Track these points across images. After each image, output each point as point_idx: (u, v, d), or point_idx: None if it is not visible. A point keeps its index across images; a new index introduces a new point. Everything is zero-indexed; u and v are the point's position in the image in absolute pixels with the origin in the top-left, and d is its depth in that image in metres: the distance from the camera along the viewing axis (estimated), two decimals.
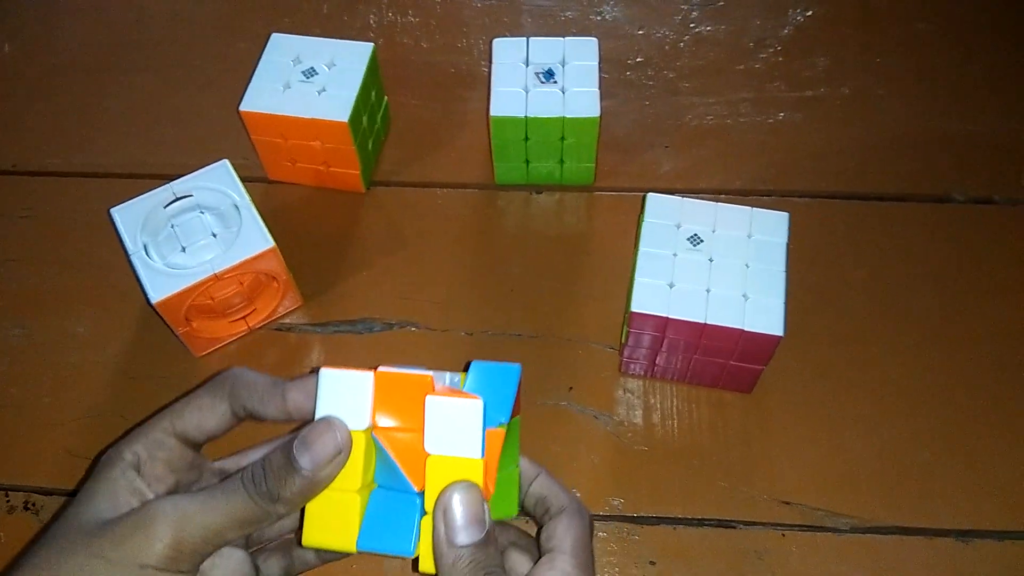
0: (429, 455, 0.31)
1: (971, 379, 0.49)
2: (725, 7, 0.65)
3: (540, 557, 0.34)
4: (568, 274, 0.53)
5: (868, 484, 0.46)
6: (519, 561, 0.36)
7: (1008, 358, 0.49)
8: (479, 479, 0.31)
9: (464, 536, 0.30)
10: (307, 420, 0.33)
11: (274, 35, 0.55)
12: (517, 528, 0.37)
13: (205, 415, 0.34)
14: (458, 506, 0.30)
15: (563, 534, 0.34)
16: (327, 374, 0.32)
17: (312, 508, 0.31)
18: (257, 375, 0.34)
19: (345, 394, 0.32)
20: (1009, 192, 0.56)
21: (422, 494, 0.31)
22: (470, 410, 0.31)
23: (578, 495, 0.42)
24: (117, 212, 0.48)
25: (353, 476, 0.31)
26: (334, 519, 0.31)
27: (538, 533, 0.36)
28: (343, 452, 0.31)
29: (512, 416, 0.33)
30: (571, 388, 0.49)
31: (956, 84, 0.60)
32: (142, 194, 0.49)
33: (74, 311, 0.53)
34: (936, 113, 0.59)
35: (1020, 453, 0.46)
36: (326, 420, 0.31)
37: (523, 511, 0.37)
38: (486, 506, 0.31)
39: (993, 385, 0.49)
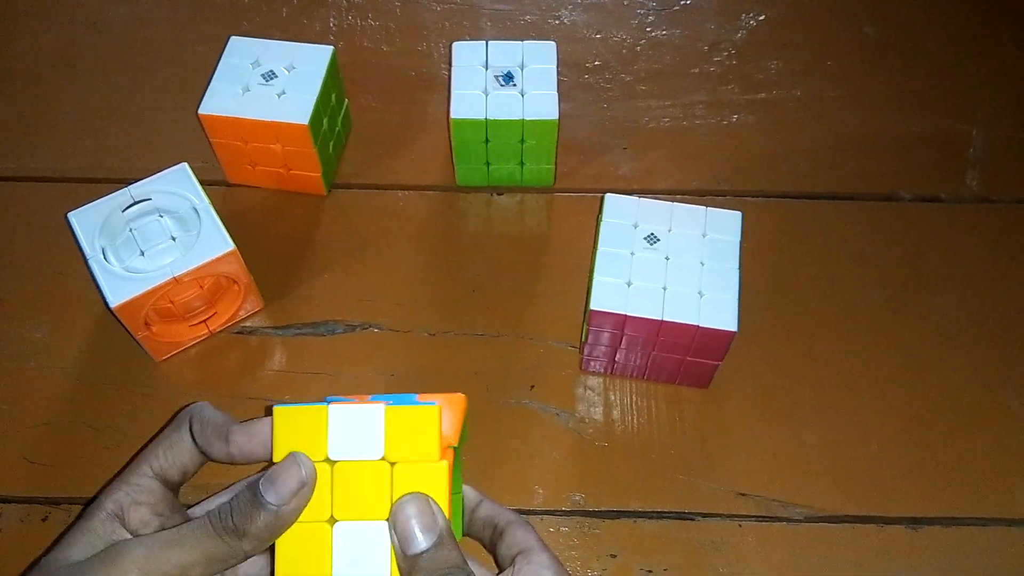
0: (393, 465, 0.31)
1: (918, 371, 0.51)
2: (680, 12, 0.66)
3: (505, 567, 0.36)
4: (529, 274, 0.54)
5: (821, 475, 0.47)
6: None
7: (953, 350, 0.51)
8: (440, 485, 0.31)
9: (414, 546, 0.31)
10: (254, 461, 0.33)
11: (233, 38, 0.55)
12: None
13: (176, 453, 0.34)
14: (407, 519, 0.31)
15: (525, 537, 0.36)
16: (280, 412, 0.32)
17: (283, 544, 0.31)
18: (214, 412, 0.35)
19: (301, 429, 0.32)
20: (955, 191, 0.57)
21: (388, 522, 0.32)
22: (373, 414, 0.32)
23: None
24: (74, 216, 0.48)
25: (322, 506, 0.32)
26: (307, 551, 0.31)
27: (493, 552, 0.37)
28: (307, 486, 0.31)
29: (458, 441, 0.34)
30: (533, 386, 0.50)
31: (903, 86, 0.62)
32: (99, 198, 0.48)
33: (31, 317, 0.52)
34: (884, 114, 0.61)
35: (966, 442, 0.48)
36: (291, 456, 0.31)
37: (470, 535, 0.38)
38: (436, 509, 0.31)
39: (939, 377, 0.50)
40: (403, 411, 0.32)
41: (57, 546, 0.32)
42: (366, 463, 0.32)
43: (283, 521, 0.31)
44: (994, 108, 0.61)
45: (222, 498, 0.36)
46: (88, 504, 0.33)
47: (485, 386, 0.50)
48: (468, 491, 0.39)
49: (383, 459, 0.32)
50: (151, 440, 0.35)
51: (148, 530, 0.33)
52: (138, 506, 0.33)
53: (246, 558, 0.31)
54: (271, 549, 0.32)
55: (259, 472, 0.32)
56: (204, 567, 0.31)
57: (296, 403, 0.33)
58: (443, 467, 0.32)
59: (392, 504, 0.31)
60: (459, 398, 0.34)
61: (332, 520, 0.32)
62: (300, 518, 0.31)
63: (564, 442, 0.48)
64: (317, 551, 0.31)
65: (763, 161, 0.59)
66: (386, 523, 0.31)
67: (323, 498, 0.32)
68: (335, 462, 0.32)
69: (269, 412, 0.33)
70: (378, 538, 0.31)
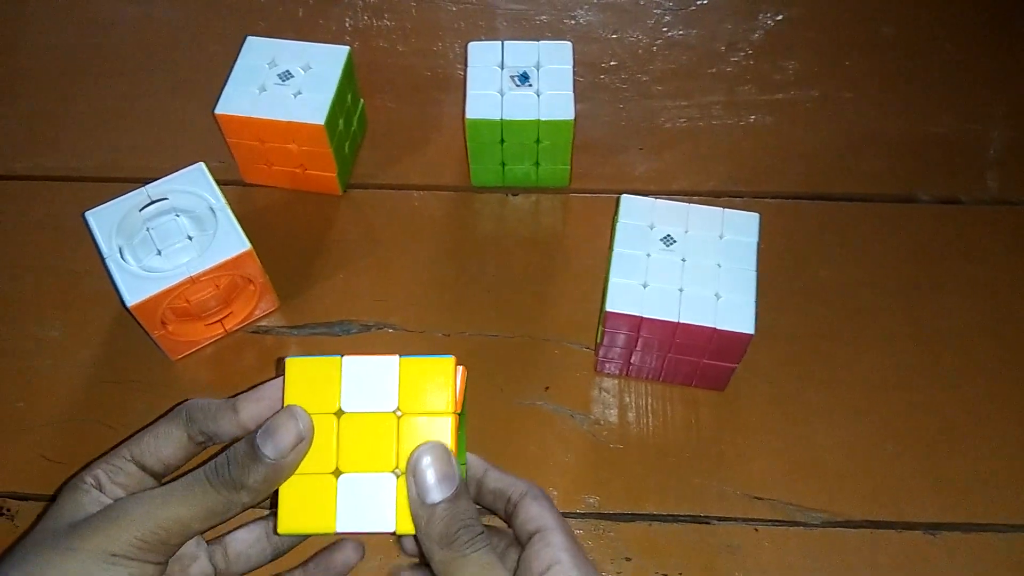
0: (400, 416, 0.32)
1: (937, 375, 0.50)
2: (697, 11, 0.66)
3: (525, 541, 0.35)
4: (544, 275, 0.54)
5: (838, 479, 0.47)
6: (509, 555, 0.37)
7: (972, 354, 0.51)
8: (450, 437, 0.32)
9: (436, 494, 0.31)
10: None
11: (249, 38, 0.55)
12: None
13: (161, 443, 0.35)
14: (427, 466, 0.31)
15: (540, 513, 0.35)
16: (293, 363, 0.32)
17: (286, 494, 0.32)
18: (210, 400, 0.35)
19: (313, 381, 0.32)
20: (974, 192, 0.57)
21: (396, 472, 0.32)
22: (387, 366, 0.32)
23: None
24: (91, 215, 0.48)
25: (327, 458, 0.32)
26: (311, 503, 0.32)
27: (510, 524, 0.37)
28: (305, 440, 0.32)
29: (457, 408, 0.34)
30: (547, 388, 0.50)
31: (920, 86, 0.62)
32: (116, 198, 0.49)
33: (47, 316, 0.53)
34: (902, 115, 0.61)
35: (984, 447, 0.48)
36: (288, 409, 0.32)
37: (479, 504, 0.38)
38: (455, 461, 0.31)
39: (958, 380, 0.50)
40: (418, 363, 0.32)
41: (45, 516, 0.33)
42: (372, 415, 0.32)
43: (281, 474, 0.31)
44: (1013, 108, 0.60)
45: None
46: (63, 486, 0.34)
47: (499, 387, 0.50)
48: (473, 459, 0.38)
49: (395, 411, 0.32)
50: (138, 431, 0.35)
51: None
52: (114, 485, 0.34)
53: (244, 510, 0.32)
54: (273, 501, 0.32)
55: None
56: (203, 521, 0.31)
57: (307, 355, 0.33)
58: (450, 421, 0.32)
59: (405, 455, 0.31)
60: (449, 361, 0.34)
61: (337, 472, 0.32)
62: (305, 469, 0.32)
63: (579, 444, 0.48)
64: (321, 503, 0.31)
65: (780, 162, 0.58)
66: (392, 475, 0.31)
67: (328, 450, 0.32)
68: (342, 414, 0.32)
69: (280, 369, 0.33)
70: (383, 490, 0.31)
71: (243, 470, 0.31)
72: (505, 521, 0.37)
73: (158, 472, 0.35)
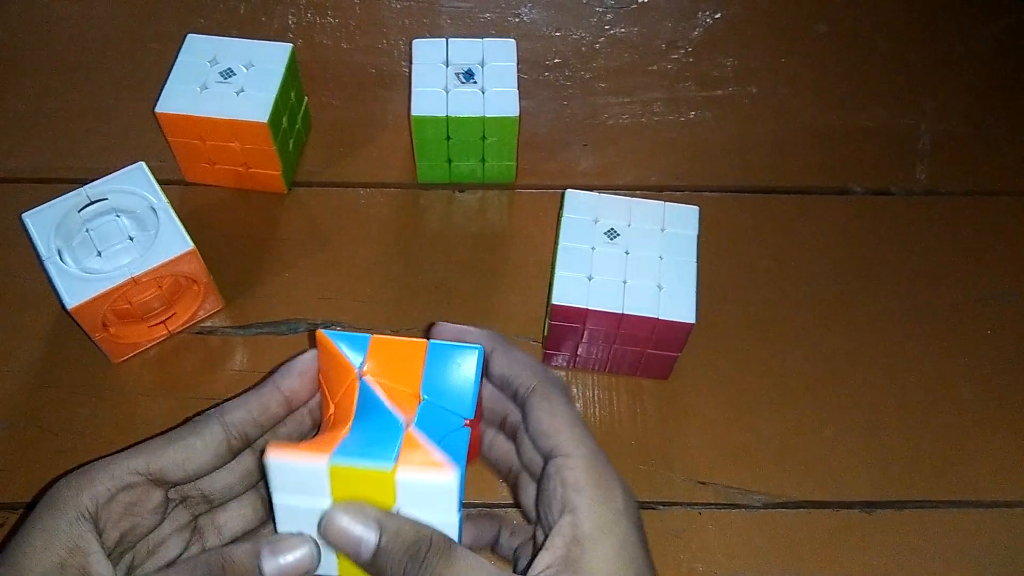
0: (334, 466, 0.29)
1: (870, 359, 0.52)
2: (638, 10, 0.67)
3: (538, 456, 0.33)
4: (490, 270, 0.54)
5: (778, 462, 0.48)
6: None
7: (904, 339, 0.53)
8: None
9: (365, 547, 0.28)
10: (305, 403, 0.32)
11: (190, 36, 0.54)
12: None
13: (192, 453, 0.32)
14: (340, 531, 0.28)
15: (552, 425, 0.31)
16: (275, 465, 0.29)
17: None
18: (238, 400, 0.33)
19: (301, 481, 0.30)
20: (904, 183, 0.59)
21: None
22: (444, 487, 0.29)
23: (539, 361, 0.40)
24: (29, 217, 0.47)
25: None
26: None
27: (524, 418, 0.34)
28: (310, 573, 0.29)
29: (476, 415, 0.33)
30: None
31: (854, 82, 0.64)
32: (54, 199, 0.48)
33: None
34: (836, 110, 0.63)
35: (917, 428, 0.50)
36: (301, 537, 0.30)
37: (495, 385, 0.35)
38: (364, 508, 0.29)
39: (890, 365, 0.52)
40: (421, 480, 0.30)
41: (8, 550, 0.29)
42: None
43: None
44: (941, 102, 0.63)
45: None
46: (42, 493, 0.31)
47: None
48: (481, 336, 0.34)
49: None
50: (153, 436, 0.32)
51: (115, 532, 0.30)
52: (115, 503, 0.30)
53: None
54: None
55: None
56: None
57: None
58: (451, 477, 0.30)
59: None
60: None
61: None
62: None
63: None
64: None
65: (719, 156, 0.60)
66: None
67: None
68: None
69: (312, 340, 0.32)
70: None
71: None
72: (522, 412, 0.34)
73: (175, 482, 0.32)
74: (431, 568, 0.28)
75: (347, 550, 0.29)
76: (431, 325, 0.36)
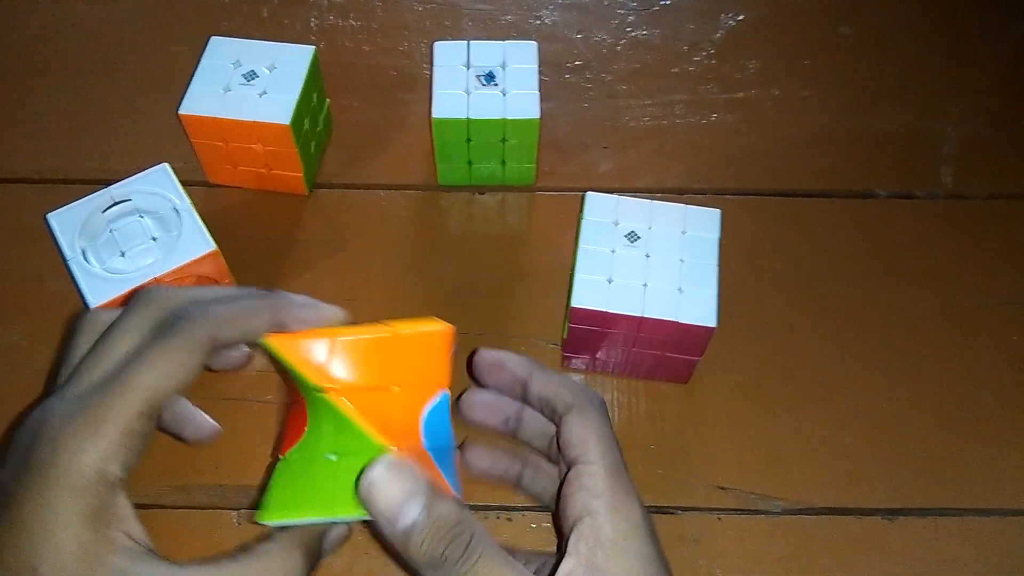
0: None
1: (893, 365, 0.51)
2: (660, 12, 0.67)
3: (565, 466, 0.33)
4: (510, 272, 0.54)
5: (798, 467, 0.48)
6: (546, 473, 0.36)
7: (926, 344, 0.52)
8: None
9: (405, 517, 0.27)
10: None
11: (213, 38, 0.55)
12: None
13: (173, 372, 0.29)
14: (381, 490, 0.27)
15: (582, 437, 0.32)
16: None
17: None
18: (180, 289, 0.31)
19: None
20: (929, 187, 0.58)
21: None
22: None
23: (582, 379, 0.42)
24: (53, 217, 0.48)
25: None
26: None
27: (558, 433, 0.34)
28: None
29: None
30: None
31: (878, 84, 0.63)
32: (79, 199, 0.48)
33: (8, 319, 0.52)
34: (859, 112, 0.62)
35: (939, 434, 0.49)
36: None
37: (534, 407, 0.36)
38: (409, 465, 0.28)
39: (912, 370, 0.51)
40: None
41: (16, 525, 0.26)
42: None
43: None
44: (966, 105, 0.62)
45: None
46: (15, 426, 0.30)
47: (467, 384, 0.50)
48: (519, 360, 0.35)
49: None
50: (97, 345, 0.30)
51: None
52: (128, 458, 0.28)
53: None
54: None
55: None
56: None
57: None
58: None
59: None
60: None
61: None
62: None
63: None
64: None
65: (741, 159, 0.59)
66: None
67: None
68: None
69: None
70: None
71: None
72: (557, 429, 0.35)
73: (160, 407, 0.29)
74: (471, 559, 0.27)
75: (381, 516, 0.28)
76: (473, 352, 0.38)
